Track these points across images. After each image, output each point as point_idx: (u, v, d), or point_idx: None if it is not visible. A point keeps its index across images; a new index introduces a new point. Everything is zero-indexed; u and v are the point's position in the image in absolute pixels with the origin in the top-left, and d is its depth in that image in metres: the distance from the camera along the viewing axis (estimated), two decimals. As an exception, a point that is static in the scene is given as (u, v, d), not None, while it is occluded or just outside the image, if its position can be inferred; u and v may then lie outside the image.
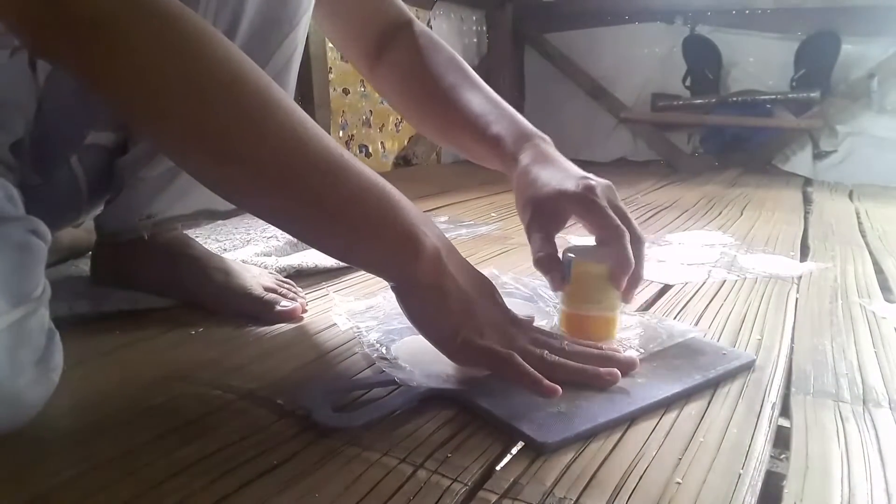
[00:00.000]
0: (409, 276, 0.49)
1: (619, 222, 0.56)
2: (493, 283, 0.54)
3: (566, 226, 0.61)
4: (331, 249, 0.52)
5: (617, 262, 0.55)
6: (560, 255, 0.58)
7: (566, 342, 0.53)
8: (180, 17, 0.42)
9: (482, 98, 0.69)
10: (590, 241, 0.60)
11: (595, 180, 0.58)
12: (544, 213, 0.59)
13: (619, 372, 0.51)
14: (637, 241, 0.57)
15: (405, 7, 0.75)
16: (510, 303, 0.55)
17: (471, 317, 0.50)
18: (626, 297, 0.57)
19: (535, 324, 0.56)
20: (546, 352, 0.51)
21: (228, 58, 0.44)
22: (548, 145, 0.64)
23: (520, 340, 0.51)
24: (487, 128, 0.66)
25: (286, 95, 0.46)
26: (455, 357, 0.51)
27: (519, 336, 0.52)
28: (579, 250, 0.58)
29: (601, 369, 0.51)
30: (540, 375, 0.47)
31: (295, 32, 0.66)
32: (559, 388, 0.47)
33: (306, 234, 0.51)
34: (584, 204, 0.57)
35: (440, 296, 0.49)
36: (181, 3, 0.43)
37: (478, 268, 0.54)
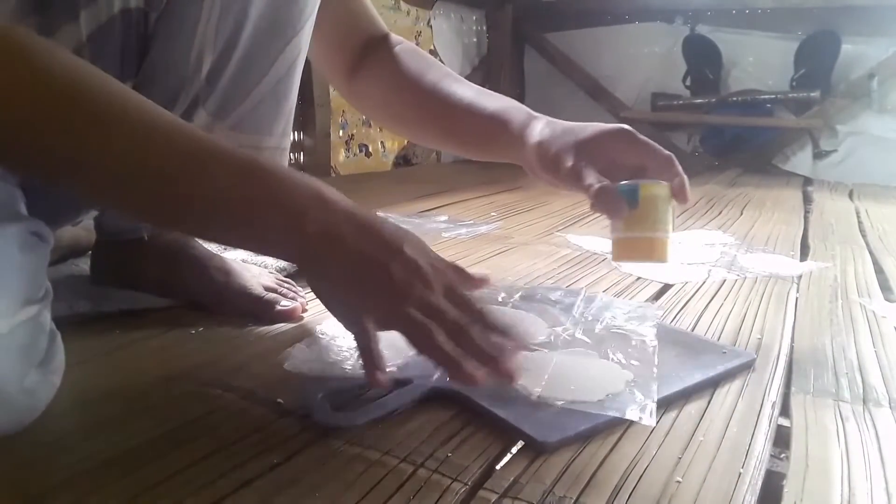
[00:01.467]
0: (297, 257, 0.47)
1: (665, 151, 0.59)
2: (486, 291, 0.54)
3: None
4: (213, 240, 0.52)
5: (678, 179, 0.58)
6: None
7: (466, 320, 0.47)
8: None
9: (470, 88, 0.69)
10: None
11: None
12: (589, 153, 0.60)
13: (481, 378, 0.43)
14: (679, 167, 0.60)
15: (381, 22, 0.77)
16: (512, 317, 0.53)
17: (358, 279, 0.46)
18: (681, 197, 0.60)
19: (536, 330, 0.55)
20: (431, 326, 0.45)
21: (64, 65, 0.41)
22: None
23: (406, 308, 0.46)
24: (486, 106, 0.66)
25: (134, 95, 0.44)
26: (338, 319, 0.49)
27: (411, 298, 0.46)
28: (637, 178, 0.60)
29: (464, 368, 0.43)
30: (378, 364, 0.45)
31: (298, 37, 0.66)
32: (481, 375, 0.42)
33: (177, 228, 0.51)
34: (629, 138, 0.60)
35: (327, 264, 0.46)
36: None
37: (478, 268, 0.53)
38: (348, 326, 0.48)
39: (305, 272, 0.48)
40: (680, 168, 0.59)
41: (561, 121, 0.64)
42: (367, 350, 0.46)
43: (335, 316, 0.49)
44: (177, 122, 0.44)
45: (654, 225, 0.59)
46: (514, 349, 0.47)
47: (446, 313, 0.46)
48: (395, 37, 0.76)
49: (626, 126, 0.61)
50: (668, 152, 0.60)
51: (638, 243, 0.60)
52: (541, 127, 0.63)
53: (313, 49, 0.76)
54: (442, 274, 0.49)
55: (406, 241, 0.48)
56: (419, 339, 0.45)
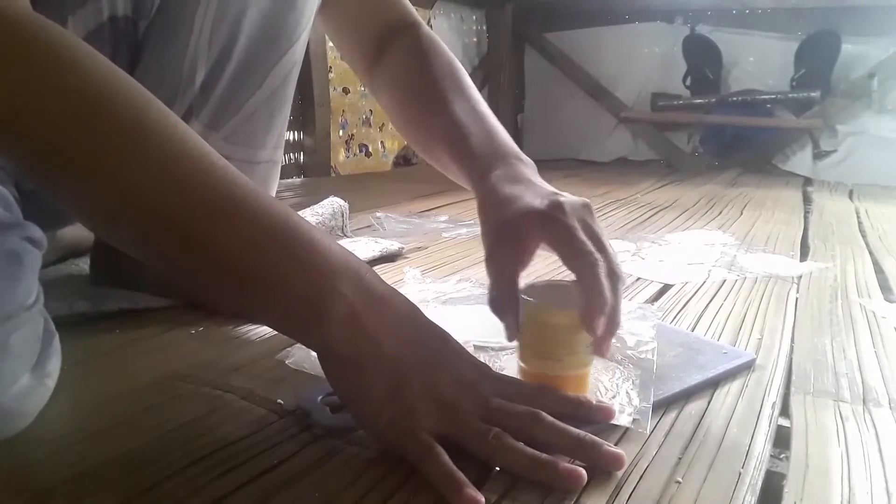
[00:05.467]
0: (318, 344, 0.42)
1: (591, 248, 0.45)
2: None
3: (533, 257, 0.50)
4: (223, 305, 0.45)
5: (588, 299, 0.44)
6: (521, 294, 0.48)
7: (535, 412, 0.41)
8: (26, 19, 0.36)
9: (468, 109, 0.62)
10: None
11: (566, 197, 0.48)
12: (506, 242, 0.49)
13: (584, 474, 0.38)
14: (613, 277, 0.45)
15: (412, 9, 0.72)
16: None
17: (399, 391, 0.40)
18: (600, 348, 0.47)
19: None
20: (496, 430, 0.40)
21: (97, 68, 0.38)
22: (525, 166, 0.55)
23: (463, 413, 0.41)
24: (464, 141, 0.58)
25: (168, 118, 0.39)
26: (380, 441, 0.42)
27: (465, 405, 0.41)
28: (542, 289, 0.48)
29: (560, 467, 0.38)
30: (461, 481, 0.37)
31: (293, 48, 0.65)
32: (481, 500, 0.36)
33: (196, 285, 0.45)
34: (548, 225, 0.47)
35: (357, 367, 0.41)
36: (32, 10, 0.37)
37: (476, 269, 0.53)
38: (395, 441, 0.40)
39: (329, 365, 0.42)
40: (601, 279, 0.44)
41: (516, 177, 0.54)
42: (442, 468, 0.38)
43: (368, 427, 0.42)
44: (210, 155, 0.40)
45: (545, 359, 0.46)
46: (603, 419, 0.44)
47: (507, 409, 0.41)
48: (424, 28, 0.70)
49: (556, 203, 0.47)
50: (593, 255, 0.45)
51: (527, 378, 0.48)
52: (484, 190, 0.54)
53: (335, 35, 0.73)
54: (485, 370, 0.45)
55: (446, 339, 0.44)
56: (488, 448, 0.39)
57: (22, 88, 0.36)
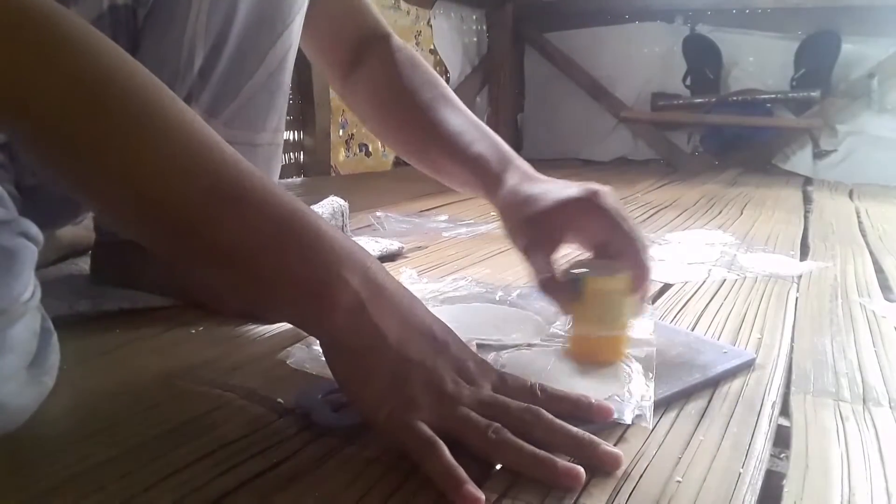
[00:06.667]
0: (323, 333, 0.42)
1: (631, 226, 0.53)
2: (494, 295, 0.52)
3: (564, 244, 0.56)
4: (229, 293, 0.46)
5: (636, 269, 0.52)
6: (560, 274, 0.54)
7: (535, 409, 0.42)
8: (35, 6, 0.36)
9: (461, 117, 0.65)
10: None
11: (598, 185, 0.55)
12: (543, 231, 0.55)
13: (583, 472, 0.38)
14: (645, 249, 0.54)
15: (383, 21, 0.74)
16: (509, 315, 0.52)
17: (401, 382, 0.41)
18: (638, 309, 0.54)
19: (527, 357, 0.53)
20: (495, 426, 0.40)
21: (107, 54, 0.38)
22: (530, 168, 0.61)
23: (461, 408, 0.41)
24: (468, 147, 0.62)
25: (176, 104, 0.40)
26: (381, 433, 0.42)
27: (464, 399, 0.41)
28: (586, 265, 0.54)
29: (559, 465, 0.38)
30: (461, 477, 0.36)
31: (289, 31, 0.66)
32: (481, 498, 0.35)
33: (201, 273, 0.45)
34: (591, 209, 0.53)
35: (362, 358, 0.41)
36: None
37: (478, 267, 0.53)
38: (395, 434, 0.40)
39: (333, 355, 0.42)
40: (644, 252, 0.52)
41: (532, 176, 0.59)
42: (443, 464, 0.37)
43: (369, 419, 0.42)
44: (218, 144, 0.40)
45: (601, 323, 0.53)
46: (602, 418, 0.44)
47: (507, 406, 0.42)
48: (396, 40, 0.73)
49: (592, 191, 0.53)
50: (634, 231, 0.53)
51: (585, 343, 0.54)
52: (505, 191, 0.58)
53: (308, 44, 0.75)
54: (486, 367, 0.45)
55: (449, 335, 0.45)
56: (487, 443, 0.39)
57: (32, 71, 0.36)
